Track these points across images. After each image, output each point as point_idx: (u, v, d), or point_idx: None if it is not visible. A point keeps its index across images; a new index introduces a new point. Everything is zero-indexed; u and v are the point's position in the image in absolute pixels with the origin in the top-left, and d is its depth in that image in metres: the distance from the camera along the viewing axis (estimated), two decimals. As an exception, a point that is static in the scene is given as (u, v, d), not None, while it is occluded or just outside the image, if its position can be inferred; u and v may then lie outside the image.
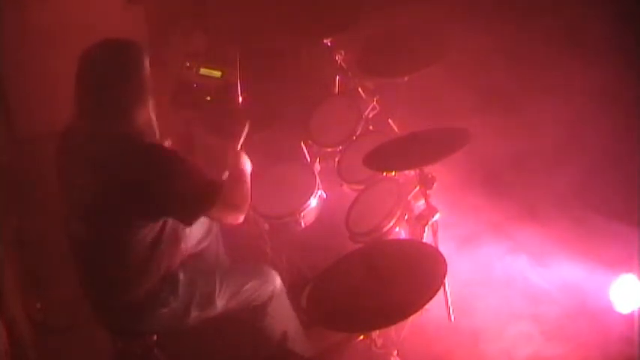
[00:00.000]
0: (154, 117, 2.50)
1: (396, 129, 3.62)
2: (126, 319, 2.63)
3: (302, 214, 3.20)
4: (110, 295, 2.60)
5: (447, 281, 2.74)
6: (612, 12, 3.44)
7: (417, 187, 2.90)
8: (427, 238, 2.88)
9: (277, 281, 2.87)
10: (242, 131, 2.99)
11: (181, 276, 2.64)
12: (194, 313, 2.67)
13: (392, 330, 2.74)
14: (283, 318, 2.92)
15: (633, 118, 3.44)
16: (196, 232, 2.95)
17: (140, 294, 2.56)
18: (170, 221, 2.55)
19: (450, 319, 3.07)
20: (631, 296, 3.09)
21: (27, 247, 3.78)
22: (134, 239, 2.47)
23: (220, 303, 2.72)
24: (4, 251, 3.29)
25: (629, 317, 3.06)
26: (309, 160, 3.71)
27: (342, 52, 3.73)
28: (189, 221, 2.54)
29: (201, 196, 2.48)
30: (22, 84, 4.32)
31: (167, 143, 2.81)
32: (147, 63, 2.45)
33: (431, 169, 2.80)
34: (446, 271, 2.33)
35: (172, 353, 2.77)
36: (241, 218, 2.63)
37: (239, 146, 2.92)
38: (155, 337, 2.70)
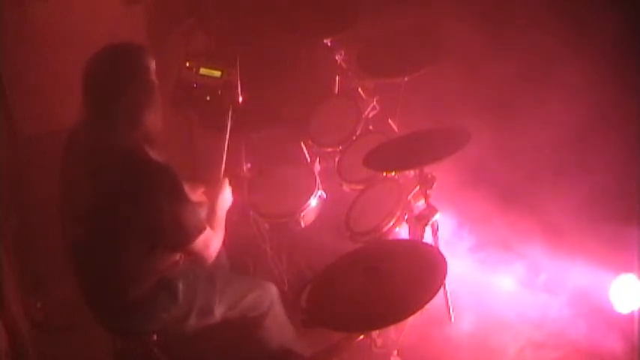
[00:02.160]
0: (159, 122, 2.51)
1: (396, 129, 3.62)
2: (124, 320, 2.63)
3: (302, 214, 3.21)
4: (107, 296, 2.60)
5: (446, 281, 2.74)
6: (619, 12, 3.42)
7: (417, 187, 2.90)
8: (427, 238, 2.88)
9: (275, 293, 2.88)
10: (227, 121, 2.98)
11: (181, 285, 2.64)
12: (193, 321, 2.69)
13: (392, 330, 2.74)
14: (280, 329, 2.94)
15: (634, 118, 3.43)
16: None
17: (137, 296, 2.56)
18: None
19: (450, 319, 3.07)
20: (631, 296, 3.09)
21: (27, 247, 3.78)
22: (131, 242, 2.47)
23: (219, 312, 2.73)
24: (4, 251, 3.29)
25: (629, 317, 3.06)
26: (309, 160, 3.71)
27: (342, 52, 3.73)
28: (175, 249, 2.56)
29: (187, 226, 2.47)
30: (22, 83, 4.33)
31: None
32: (153, 66, 2.46)
33: (431, 169, 2.80)
34: (446, 271, 2.33)
35: (172, 353, 2.77)
36: (209, 260, 2.61)
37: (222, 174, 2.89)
38: (155, 337, 2.70)
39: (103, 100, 2.41)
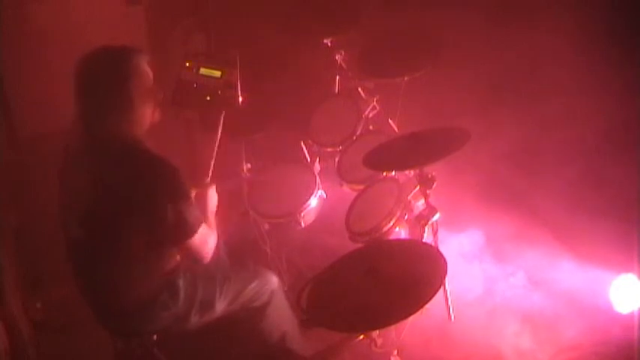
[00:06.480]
0: (147, 122, 2.51)
1: (396, 129, 3.62)
2: (125, 320, 2.63)
3: (302, 214, 3.21)
4: (109, 297, 2.60)
5: (446, 281, 2.74)
6: (612, 11, 3.43)
7: (417, 187, 2.90)
8: (427, 238, 2.88)
9: (275, 282, 2.88)
10: (218, 121, 2.99)
11: (181, 282, 2.64)
12: (194, 318, 2.68)
13: (392, 330, 2.74)
14: (282, 319, 2.93)
15: (634, 118, 3.44)
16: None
17: (139, 297, 2.56)
18: None
19: (450, 319, 3.07)
20: (631, 296, 3.09)
21: (27, 247, 3.78)
22: (131, 242, 2.47)
23: (220, 307, 2.73)
24: (4, 251, 3.29)
25: (629, 317, 3.06)
26: (309, 160, 3.72)
27: (342, 52, 3.73)
28: (175, 243, 2.55)
29: (188, 219, 2.47)
30: (22, 84, 4.33)
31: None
32: (145, 69, 2.46)
33: (431, 169, 2.80)
34: (446, 271, 2.33)
35: (172, 353, 2.77)
36: (207, 258, 2.60)
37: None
38: (155, 337, 2.70)
39: (86, 102, 2.42)
